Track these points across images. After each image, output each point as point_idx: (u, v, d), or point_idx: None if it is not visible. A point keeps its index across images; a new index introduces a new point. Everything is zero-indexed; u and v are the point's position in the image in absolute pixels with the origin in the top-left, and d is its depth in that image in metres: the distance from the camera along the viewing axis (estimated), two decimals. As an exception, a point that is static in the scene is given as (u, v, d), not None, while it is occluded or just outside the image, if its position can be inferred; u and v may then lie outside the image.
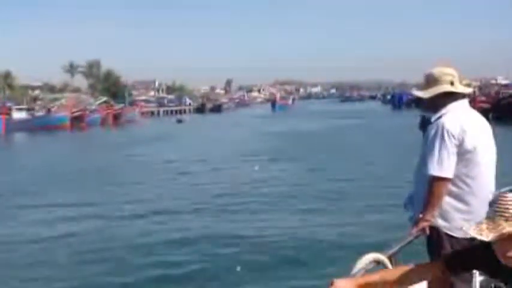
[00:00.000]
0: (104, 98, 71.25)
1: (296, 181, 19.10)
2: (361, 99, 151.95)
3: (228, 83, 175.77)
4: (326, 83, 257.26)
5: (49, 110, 56.53)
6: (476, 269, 2.51)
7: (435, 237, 3.47)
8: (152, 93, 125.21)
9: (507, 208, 2.00)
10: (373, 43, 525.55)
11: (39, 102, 64.74)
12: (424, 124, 3.71)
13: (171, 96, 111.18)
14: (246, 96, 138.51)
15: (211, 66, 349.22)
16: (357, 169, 21.02)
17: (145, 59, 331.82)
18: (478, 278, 3.21)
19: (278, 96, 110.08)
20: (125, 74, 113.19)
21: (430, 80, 3.57)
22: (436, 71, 3.59)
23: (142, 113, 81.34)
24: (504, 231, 1.96)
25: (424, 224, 3.43)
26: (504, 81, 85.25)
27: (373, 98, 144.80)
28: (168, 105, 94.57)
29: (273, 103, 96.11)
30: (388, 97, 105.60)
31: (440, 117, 3.50)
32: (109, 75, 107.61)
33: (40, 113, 55.55)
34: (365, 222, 12.49)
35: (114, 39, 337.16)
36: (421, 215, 3.46)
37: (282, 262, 9.96)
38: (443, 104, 3.52)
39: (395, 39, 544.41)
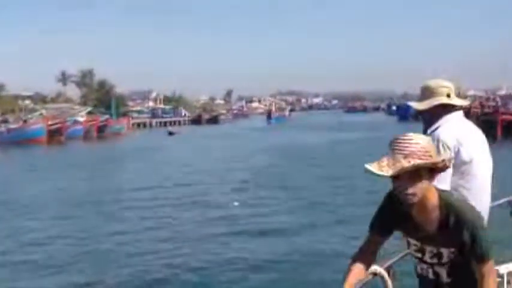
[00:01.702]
0: (89, 108, 66.79)
1: (283, 222, 14.80)
2: (365, 110, 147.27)
3: (228, 93, 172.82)
4: (327, 93, 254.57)
5: (25, 122, 52.09)
6: (396, 227, 2.61)
7: None
8: (149, 104, 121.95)
9: (406, 146, 2.26)
10: (375, 54, 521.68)
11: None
12: None
13: (167, 107, 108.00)
14: (244, 107, 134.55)
15: (212, 76, 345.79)
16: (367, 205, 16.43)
17: (144, 69, 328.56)
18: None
19: (274, 107, 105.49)
20: (121, 83, 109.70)
21: (427, 92, 3.57)
22: (433, 83, 3.60)
23: (133, 125, 77.68)
24: (404, 165, 2.21)
25: None
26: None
27: (376, 109, 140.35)
28: (162, 116, 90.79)
29: (269, 115, 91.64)
30: (393, 108, 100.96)
31: (436, 129, 3.48)
32: (102, 85, 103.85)
33: (15, 125, 50.95)
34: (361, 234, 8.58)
35: (111, 48, 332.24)
36: None
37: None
38: (439, 116, 3.52)
39: (397, 50, 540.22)
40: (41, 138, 47.25)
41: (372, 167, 2.20)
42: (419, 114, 3.69)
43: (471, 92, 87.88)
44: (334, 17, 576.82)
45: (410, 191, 2.30)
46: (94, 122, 58.46)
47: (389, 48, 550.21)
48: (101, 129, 58.35)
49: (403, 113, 78.76)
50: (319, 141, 43.19)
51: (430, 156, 2.29)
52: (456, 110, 3.56)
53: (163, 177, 24.03)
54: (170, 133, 62.52)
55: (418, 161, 2.24)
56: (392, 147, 2.27)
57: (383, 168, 2.19)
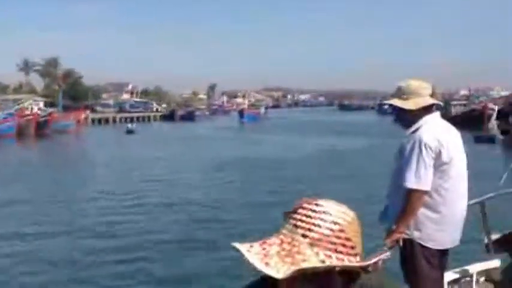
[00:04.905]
0: (29, 101, 57.32)
1: None
2: (361, 108, 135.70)
3: (212, 88, 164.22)
4: (315, 90, 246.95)
5: None
6: None
7: (409, 249, 3.47)
8: (124, 96, 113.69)
9: (316, 225, 1.31)
10: (362, 53, 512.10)
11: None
12: None
13: (140, 100, 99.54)
14: (225, 103, 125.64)
15: (196, 71, 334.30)
16: None
17: (125, 61, 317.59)
18: None
19: (246, 104, 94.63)
20: (99, 75, 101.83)
21: (409, 92, 3.54)
22: (416, 82, 3.59)
23: (93, 121, 68.83)
24: (303, 265, 1.25)
25: (398, 235, 3.42)
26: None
27: (372, 108, 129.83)
28: (130, 111, 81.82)
29: (241, 113, 79.50)
30: (385, 107, 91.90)
31: (416, 130, 3.49)
32: (68, 75, 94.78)
33: None
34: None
35: (89, 39, 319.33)
36: (394, 226, 3.44)
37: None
38: (419, 117, 3.52)
39: (384, 49, 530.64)
40: None
41: (251, 255, 1.25)
42: (396, 113, 3.65)
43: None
44: (323, 15, 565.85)
45: None
46: (32, 117, 48.84)
47: (373, 48, 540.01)
48: (40, 126, 48.84)
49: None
50: (301, 154, 32.11)
51: (352, 248, 1.32)
52: (434, 110, 3.60)
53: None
54: (129, 131, 54.62)
55: (333, 260, 1.29)
56: (294, 221, 1.33)
57: (269, 260, 1.24)
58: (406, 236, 3.46)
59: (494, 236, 4.70)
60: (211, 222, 14.49)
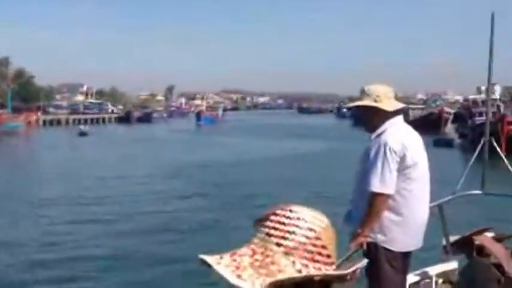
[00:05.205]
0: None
1: None
2: (321, 111, 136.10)
3: (170, 89, 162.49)
4: (274, 93, 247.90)
5: None
6: None
7: (373, 252, 3.45)
8: (78, 97, 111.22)
9: (291, 233, 1.23)
10: (362, 53, 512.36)
11: None
12: None
13: (95, 101, 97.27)
14: (183, 105, 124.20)
15: (155, 72, 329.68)
16: None
17: (80, 62, 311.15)
18: None
19: (204, 106, 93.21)
20: (52, 76, 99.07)
21: (380, 94, 3.54)
22: (382, 86, 3.62)
23: (45, 122, 66.58)
24: (279, 276, 1.17)
25: (362, 239, 3.42)
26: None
27: (330, 111, 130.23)
28: (84, 112, 79.64)
29: (198, 115, 77.91)
30: (344, 111, 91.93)
31: (381, 134, 3.50)
32: (19, 75, 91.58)
33: None
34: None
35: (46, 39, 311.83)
36: (359, 230, 3.43)
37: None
38: (384, 121, 3.53)
39: (384, 49, 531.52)
40: None
41: (222, 267, 1.14)
42: (360, 117, 3.66)
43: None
44: (323, 16, 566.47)
45: None
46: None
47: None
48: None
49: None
50: (256, 157, 31.49)
51: (328, 256, 1.25)
52: (397, 114, 3.63)
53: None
54: (82, 134, 53.22)
55: (311, 270, 1.21)
56: (266, 229, 1.23)
57: (242, 272, 1.14)
58: (370, 240, 3.46)
59: (453, 238, 4.79)
60: (162, 233, 13.40)
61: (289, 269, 1.18)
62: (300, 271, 1.19)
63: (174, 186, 20.90)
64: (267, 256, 1.19)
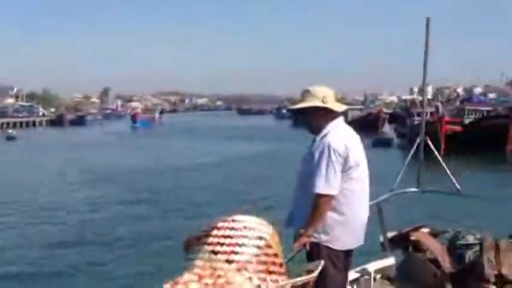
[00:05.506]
0: None
1: None
2: (262, 112, 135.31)
3: (105, 91, 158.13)
4: (212, 95, 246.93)
5: None
6: None
7: (315, 252, 3.43)
8: (8, 100, 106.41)
9: (240, 247, 1.11)
10: (362, 53, 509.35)
11: None
12: None
13: (26, 104, 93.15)
14: (119, 107, 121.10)
15: (90, 74, 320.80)
16: None
17: (11, 63, 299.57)
18: None
19: (140, 108, 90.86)
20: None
21: (326, 95, 3.57)
22: (325, 88, 3.64)
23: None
24: None
25: (305, 239, 3.40)
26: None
27: (270, 112, 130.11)
28: (13, 115, 76.25)
29: (133, 118, 75.23)
30: (284, 111, 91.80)
31: (325, 135, 3.52)
32: None
33: None
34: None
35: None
36: (302, 231, 3.42)
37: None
38: (327, 122, 3.56)
39: (384, 49, 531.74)
40: None
41: None
42: (303, 118, 3.66)
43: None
44: (323, 16, 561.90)
45: None
46: None
47: (373, 48, 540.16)
48: None
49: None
50: (189, 161, 30.26)
51: (281, 265, 1.17)
52: (338, 115, 3.63)
53: None
54: (9, 138, 51.38)
55: (269, 283, 1.12)
56: (210, 247, 1.13)
57: None
58: (313, 240, 3.46)
59: (390, 235, 4.86)
60: (76, 246, 12.15)
61: (247, 286, 1.06)
62: (258, 287, 1.06)
63: (99, 192, 19.60)
64: (219, 277, 1.05)
